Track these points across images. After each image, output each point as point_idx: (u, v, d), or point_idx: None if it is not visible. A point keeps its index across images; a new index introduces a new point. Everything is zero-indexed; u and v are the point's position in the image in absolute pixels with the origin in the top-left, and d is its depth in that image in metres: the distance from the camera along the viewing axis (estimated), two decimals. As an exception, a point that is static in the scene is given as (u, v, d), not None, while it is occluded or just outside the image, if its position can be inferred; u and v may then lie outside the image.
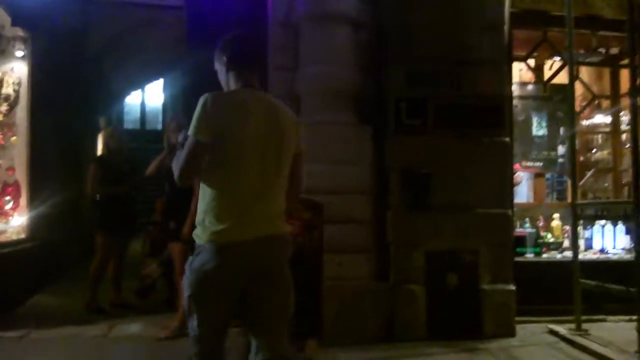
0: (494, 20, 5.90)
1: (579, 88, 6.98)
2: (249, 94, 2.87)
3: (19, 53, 7.52)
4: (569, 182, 7.36)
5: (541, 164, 7.56)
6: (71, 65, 9.42)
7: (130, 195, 6.80)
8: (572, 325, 5.72)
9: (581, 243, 6.52)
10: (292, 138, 2.92)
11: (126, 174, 6.76)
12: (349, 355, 5.13)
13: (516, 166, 6.86)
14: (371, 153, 5.76)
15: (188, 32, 6.43)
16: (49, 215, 7.95)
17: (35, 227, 7.64)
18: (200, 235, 2.77)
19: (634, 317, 4.97)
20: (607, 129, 8.00)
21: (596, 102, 7.74)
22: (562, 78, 6.71)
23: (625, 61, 6.86)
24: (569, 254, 6.34)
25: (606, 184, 8.04)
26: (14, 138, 7.44)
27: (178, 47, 8.77)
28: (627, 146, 7.41)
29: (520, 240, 6.52)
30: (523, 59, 6.92)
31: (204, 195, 2.80)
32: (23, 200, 7.50)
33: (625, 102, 7.30)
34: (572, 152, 6.13)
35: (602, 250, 6.80)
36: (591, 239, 6.91)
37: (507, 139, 5.91)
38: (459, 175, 5.71)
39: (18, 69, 7.51)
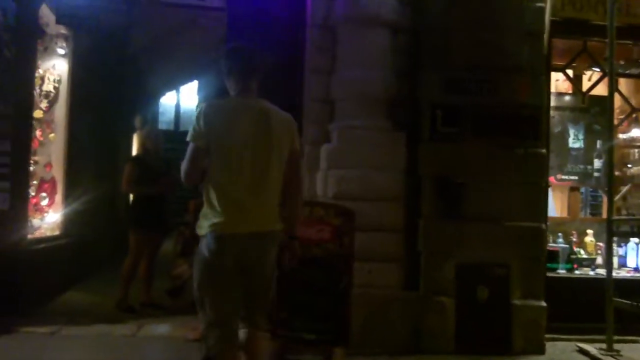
0: (534, 27, 5.80)
1: (617, 100, 6.84)
2: (241, 100, 3.28)
3: (61, 51, 7.66)
4: (605, 197, 7.20)
5: (576, 177, 7.40)
6: (110, 65, 9.57)
7: (164, 195, 6.86)
8: (603, 345, 5.57)
9: (615, 260, 6.35)
10: (283, 137, 3.28)
11: (161, 174, 6.81)
12: (375, 365, 5.11)
13: (551, 179, 6.75)
14: (404, 160, 5.69)
15: (228, 33, 6.47)
16: (84, 213, 8.08)
17: (69, 224, 7.76)
18: (202, 227, 3.19)
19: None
20: (644, 144, 7.82)
21: (634, 115, 7.58)
22: (601, 89, 6.59)
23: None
24: (601, 271, 6.22)
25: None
26: (52, 135, 7.57)
27: (215, 49, 8.83)
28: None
29: (552, 255, 6.39)
30: (562, 69, 6.80)
31: (206, 193, 3.20)
32: (58, 197, 7.63)
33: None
34: (610, 166, 5.99)
35: (636, 269, 6.62)
36: (625, 256, 6.75)
37: (543, 151, 5.82)
38: (493, 186, 5.64)
39: (59, 67, 7.66)
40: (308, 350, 5.15)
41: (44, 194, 7.40)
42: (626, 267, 6.70)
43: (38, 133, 7.21)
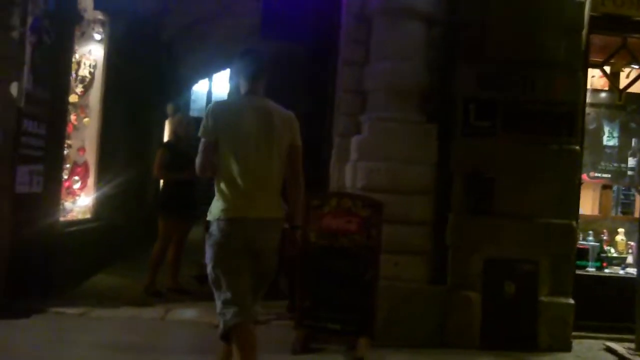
0: (572, 22, 5.73)
1: (654, 98, 6.73)
2: (247, 100, 3.62)
3: (97, 36, 7.74)
4: (637, 196, 7.09)
5: (609, 175, 7.31)
6: (145, 51, 9.63)
7: (193, 182, 6.90)
8: (632, 345, 5.51)
9: (645, 260, 6.28)
10: (283, 133, 3.55)
11: (191, 161, 6.83)
12: (399, 358, 5.12)
13: (583, 176, 6.66)
14: (435, 153, 5.65)
15: (263, 22, 6.48)
16: (114, 197, 8.18)
17: (100, 208, 7.87)
18: (213, 213, 3.49)
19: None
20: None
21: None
22: (638, 87, 6.48)
23: None
24: (632, 270, 6.14)
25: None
26: (86, 119, 7.66)
27: (249, 37, 8.85)
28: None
29: (582, 253, 6.32)
30: (599, 66, 6.68)
31: (217, 184, 3.51)
32: (91, 180, 7.73)
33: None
34: (644, 164, 5.91)
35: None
36: (656, 256, 6.64)
37: (577, 148, 5.75)
38: (524, 182, 5.60)
39: (95, 52, 7.74)
40: (332, 340, 5.18)
41: (76, 178, 7.52)
42: (657, 267, 6.57)
43: (73, 117, 7.32)
